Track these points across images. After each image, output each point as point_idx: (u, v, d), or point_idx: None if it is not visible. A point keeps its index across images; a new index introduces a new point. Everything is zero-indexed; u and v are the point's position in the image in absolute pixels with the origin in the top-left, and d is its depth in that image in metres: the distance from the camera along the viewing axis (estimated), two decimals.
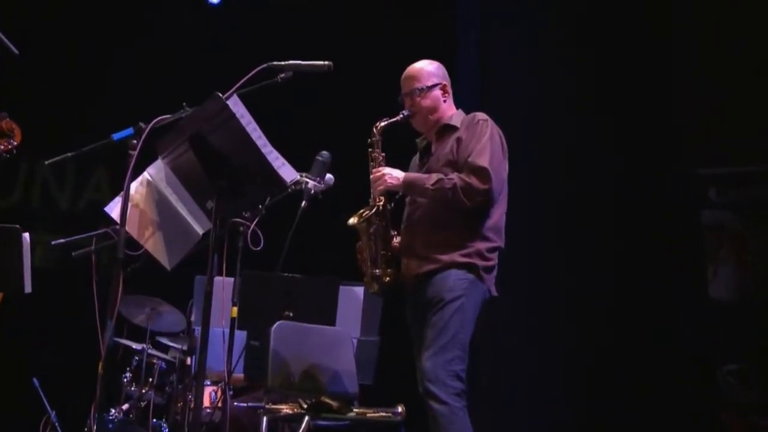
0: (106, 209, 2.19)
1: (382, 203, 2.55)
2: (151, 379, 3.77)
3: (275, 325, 2.78)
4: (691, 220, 3.86)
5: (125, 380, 3.85)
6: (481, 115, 2.57)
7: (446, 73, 2.66)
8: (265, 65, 2.09)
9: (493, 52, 4.40)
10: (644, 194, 3.94)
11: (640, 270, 3.88)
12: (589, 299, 3.94)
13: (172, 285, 3.18)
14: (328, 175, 2.55)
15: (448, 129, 2.59)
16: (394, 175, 2.51)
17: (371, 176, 2.54)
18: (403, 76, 2.64)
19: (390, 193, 2.57)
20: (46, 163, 2.28)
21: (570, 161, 4.12)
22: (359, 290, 3.21)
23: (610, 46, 4.09)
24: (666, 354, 3.75)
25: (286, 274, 2.98)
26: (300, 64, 2.16)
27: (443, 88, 2.62)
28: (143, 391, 3.76)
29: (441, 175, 2.45)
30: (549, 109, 4.21)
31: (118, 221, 2.07)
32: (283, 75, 2.15)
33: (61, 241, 2.76)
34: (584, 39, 4.18)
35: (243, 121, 1.97)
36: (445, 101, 2.63)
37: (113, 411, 3.70)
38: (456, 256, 2.44)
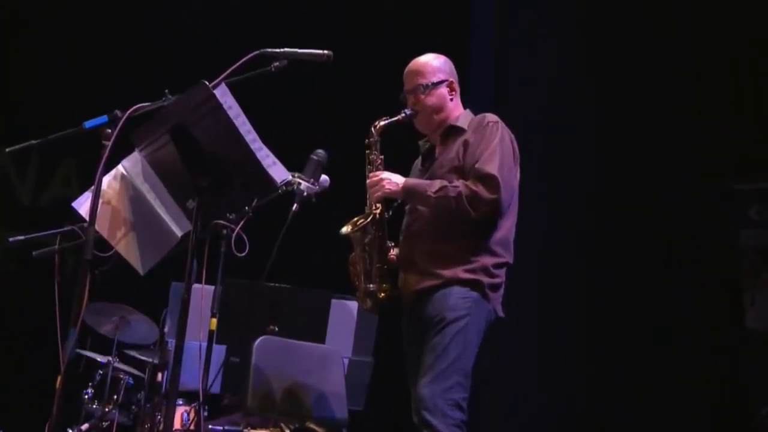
0: (74, 205, 2.17)
1: (378, 211, 2.54)
2: (115, 397, 3.75)
3: (258, 340, 2.78)
4: (728, 240, 3.85)
5: (86, 397, 3.82)
6: (491, 117, 2.56)
7: (454, 68, 2.66)
8: (257, 52, 2.08)
9: (510, 49, 4.41)
10: (674, 210, 3.94)
11: (667, 295, 3.88)
12: (608, 323, 3.94)
13: (144, 292, 3.16)
14: (323, 177, 2.53)
15: (455, 131, 2.58)
16: (393, 180, 2.50)
17: (368, 181, 2.53)
18: (406, 70, 2.64)
19: (388, 200, 2.56)
20: (7, 150, 2.25)
21: (589, 171, 4.14)
22: (353, 305, 3.20)
23: (637, 46, 4.11)
24: (694, 391, 3.74)
25: (272, 284, 2.97)
26: (296, 52, 2.15)
27: (450, 86, 2.62)
28: (106, 409, 3.74)
29: (445, 182, 2.44)
30: (568, 114, 4.23)
31: (87, 219, 2.04)
32: (277, 63, 2.14)
33: (20, 238, 2.74)
34: (609, 38, 4.20)
35: (231, 113, 1.96)
36: (451, 100, 2.62)
37: (71, 431, 3.66)
38: (459, 272, 2.42)
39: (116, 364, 3.82)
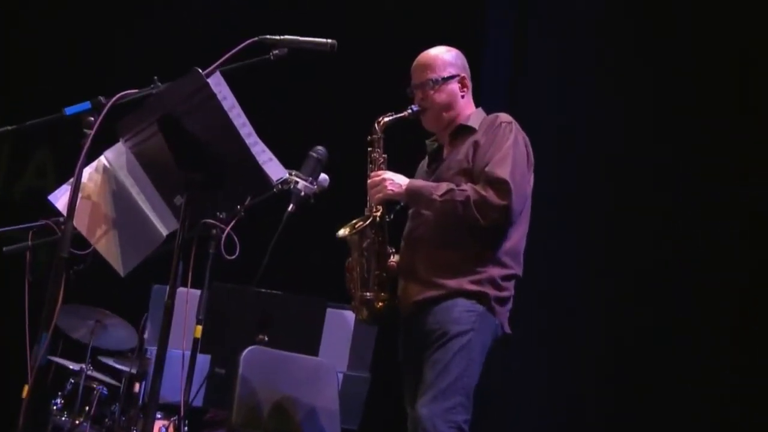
0: (51, 198, 2.16)
1: (379, 214, 2.54)
2: (87, 408, 3.74)
3: (246, 351, 2.77)
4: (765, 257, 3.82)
5: (55, 407, 3.81)
6: (504, 117, 2.57)
7: (466, 63, 2.66)
8: (255, 38, 2.08)
9: (529, 43, 4.41)
10: (703, 220, 3.91)
11: (693, 318, 3.86)
12: (627, 345, 3.93)
13: (123, 294, 3.15)
14: (323, 176, 2.53)
15: (464, 131, 2.59)
16: (396, 181, 2.50)
17: (369, 181, 2.53)
18: (414, 63, 2.64)
19: (389, 203, 2.56)
20: None
21: (611, 177, 4.12)
22: (350, 315, 3.18)
23: (668, 41, 4.09)
24: (730, 426, 3.72)
25: (263, 290, 2.97)
26: (298, 39, 2.15)
27: (461, 81, 2.62)
28: (77, 422, 3.73)
29: (452, 185, 2.44)
30: (589, 115, 4.22)
31: (64, 213, 2.04)
32: (276, 52, 2.14)
33: None
34: (640, 31, 4.19)
35: (225, 104, 1.96)
36: (462, 97, 2.63)
37: None
38: (464, 283, 2.42)
39: (89, 373, 3.81)
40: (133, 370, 3.58)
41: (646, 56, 4.15)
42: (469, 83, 2.64)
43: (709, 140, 3.92)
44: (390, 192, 2.49)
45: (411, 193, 2.49)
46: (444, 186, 2.44)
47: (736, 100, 3.92)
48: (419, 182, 2.55)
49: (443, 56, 2.62)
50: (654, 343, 3.87)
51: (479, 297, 2.42)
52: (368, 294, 2.52)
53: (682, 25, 4.10)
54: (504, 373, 3.83)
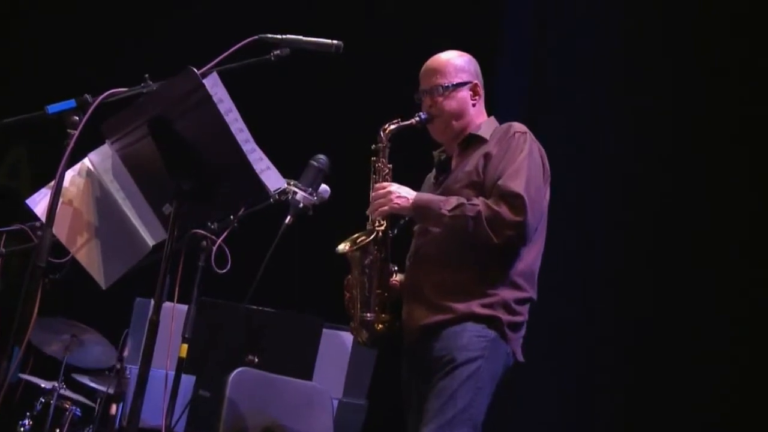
0: (29, 202, 2.18)
1: (382, 228, 2.54)
2: (58, 430, 3.72)
3: (234, 373, 2.77)
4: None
5: (22, 429, 3.80)
6: (518, 126, 2.57)
7: (479, 69, 2.67)
8: (255, 36, 2.09)
9: (548, 50, 4.42)
10: (741, 242, 3.90)
11: (696, 322, 3.85)
12: (646, 378, 3.92)
13: (102, 307, 3.15)
14: (323, 186, 2.54)
15: (475, 141, 2.59)
16: (402, 194, 2.49)
17: (373, 193, 2.53)
18: (424, 67, 2.65)
19: (394, 217, 2.56)
20: None
21: (637, 193, 4.13)
22: (347, 336, 3.19)
23: (700, 47, 4.10)
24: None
25: (254, 307, 2.96)
26: (300, 39, 2.17)
27: (473, 89, 2.64)
28: None
29: (462, 200, 2.44)
30: (612, 126, 4.23)
31: (43, 219, 2.04)
32: (277, 52, 2.16)
33: None
34: (668, 35, 4.20)
35: (222, 108, 1.98)
36: (474, 105, 2.64)
37: None
38: (475, 306, 2.42)
39: (62, 391, 3.80)
40: (111, 390, 3.57)
41: (665, 64, 4.17)
42: (481, 91, 2.65)
43: (721, 145, 3.94)
44: (396, 205, 2.48)
45: (418, 208, 2.49)
46: (454, 200, 2.44)
47: (753, 103, 3.94)
48: (427, 195, 2.54)
49: (454, 61, 2.63)
50: (662, 354, 3.88)
51: (490, 321, 2.42)
52: (369, 315, 2.52)
53: (698, 28, 4.13)
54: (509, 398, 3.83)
